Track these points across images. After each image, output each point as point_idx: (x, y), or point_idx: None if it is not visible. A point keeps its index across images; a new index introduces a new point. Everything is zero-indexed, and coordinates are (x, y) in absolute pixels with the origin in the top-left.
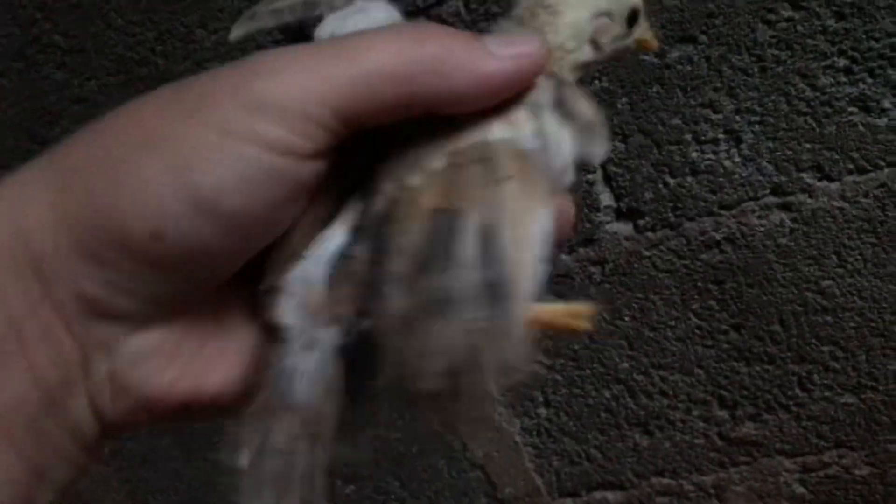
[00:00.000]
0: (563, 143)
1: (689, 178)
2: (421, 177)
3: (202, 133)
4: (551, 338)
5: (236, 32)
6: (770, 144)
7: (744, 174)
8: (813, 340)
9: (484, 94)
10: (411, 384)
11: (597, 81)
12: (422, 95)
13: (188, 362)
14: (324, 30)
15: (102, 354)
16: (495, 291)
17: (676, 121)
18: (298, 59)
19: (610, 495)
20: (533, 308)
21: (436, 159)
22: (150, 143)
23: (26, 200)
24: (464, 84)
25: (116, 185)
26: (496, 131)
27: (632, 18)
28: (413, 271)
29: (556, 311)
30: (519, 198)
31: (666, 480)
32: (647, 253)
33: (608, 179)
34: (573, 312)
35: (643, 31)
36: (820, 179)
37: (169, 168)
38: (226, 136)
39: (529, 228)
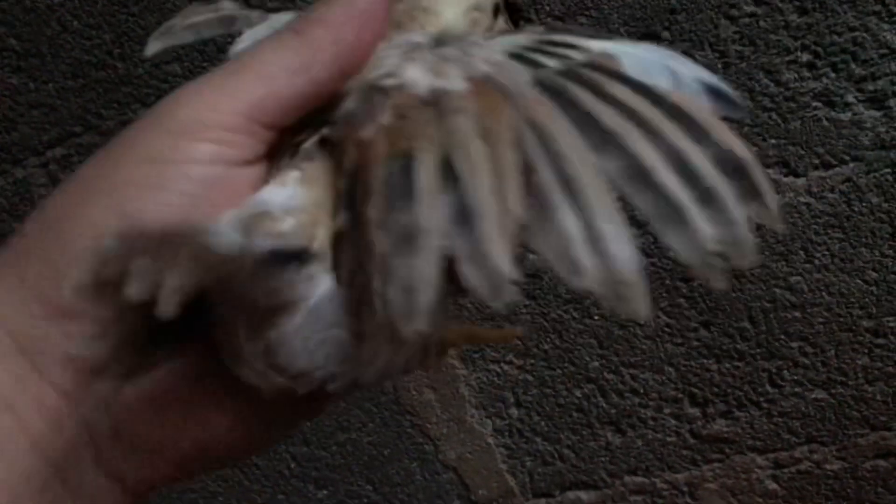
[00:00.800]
0: None
1: None
2: (373, 129)
3: (133, 167)
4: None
5: (152, 47)
6: None
7: None
8: (782, 336)
9: (367, 26)
10: (398, 326)
11: None
12: (319, 73)
13: (190, 404)
14: (238, 46)
15: (101, 412)
16: (464, 216)
17: None
18: (207, 82)
19: (584, 495)
20: (466, 328)
21: (384, 114)
22: (88, 194)
23: None
24: (347, 32)
25: (64, 240)
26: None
27: (496, 10)
28: (382, 215)
29: (487, 335)
30: (472, 124)
31: (639, 479)
32: None
33: None
34: (502, 336)
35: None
36: (786, 175)
37: (108, 208)
38: (156, 162)
39: (488, 150)
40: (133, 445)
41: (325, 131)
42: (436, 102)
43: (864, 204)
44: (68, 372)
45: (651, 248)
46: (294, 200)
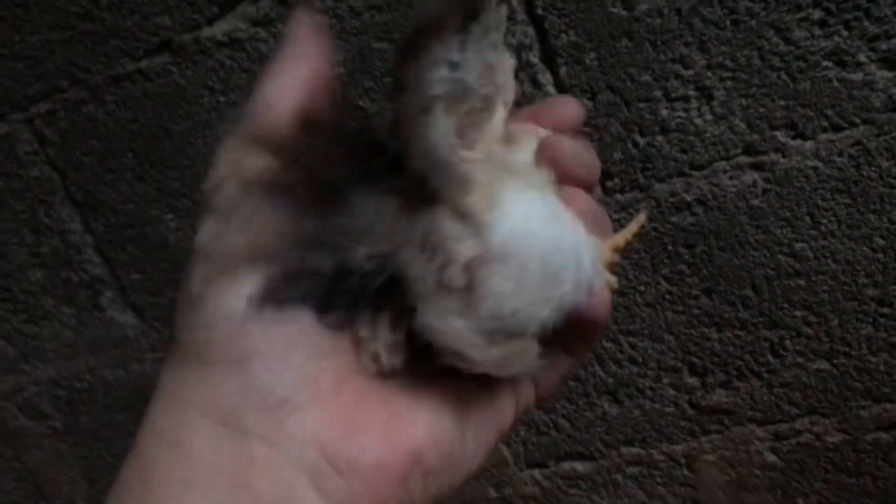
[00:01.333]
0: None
1: (660, 137)
2: None
3: None
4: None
5: None
6: (742, 101)
7: (715, 133)
8: (785, 305)
9: None
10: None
11: (564, 35)
12: None
13: (384, 416)
14: None
15: (303, 447)
16: None
17: (646, 77)
18: None
19: (579, 466)
20: (613, 240)
21: None
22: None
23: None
24: None
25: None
26: None
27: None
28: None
29: (627, 233)
30: None
31: (636, 450)
32: (616, 216)
33: None
34: (638, 227)
35: None
36: (794, 138)
37: None
38: None
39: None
40: (350, 469)
41: None
42: None
43: (873, 168)
44: (263, 419)
45: (654, 213)
46: None
